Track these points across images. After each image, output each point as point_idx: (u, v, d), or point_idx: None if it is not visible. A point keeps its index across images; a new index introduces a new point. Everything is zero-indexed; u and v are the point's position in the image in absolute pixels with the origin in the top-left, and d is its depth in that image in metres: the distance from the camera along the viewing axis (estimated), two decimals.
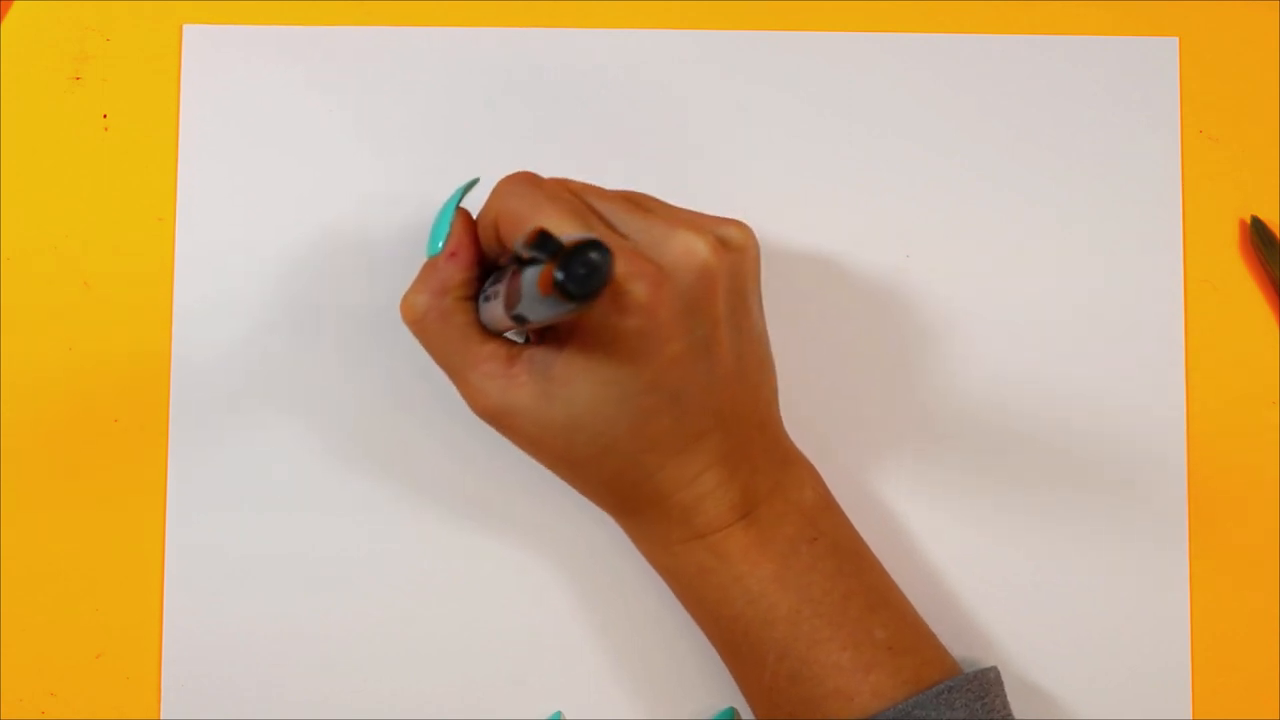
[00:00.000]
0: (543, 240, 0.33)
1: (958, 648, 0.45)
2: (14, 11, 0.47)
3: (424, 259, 0.42)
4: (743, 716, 0.46)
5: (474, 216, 0.42)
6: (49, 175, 0.47)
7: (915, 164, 0.47)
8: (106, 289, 0.46)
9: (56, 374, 0.46)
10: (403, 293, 0.43)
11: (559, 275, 0.32)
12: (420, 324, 0.41)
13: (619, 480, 0.40)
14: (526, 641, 0.46)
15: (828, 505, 0.42)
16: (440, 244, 0.41)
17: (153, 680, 0.46)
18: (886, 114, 0.47)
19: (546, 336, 0.40)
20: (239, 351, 0.46)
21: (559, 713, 0.46)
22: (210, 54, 0.47)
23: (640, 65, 0.47)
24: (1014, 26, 0.48)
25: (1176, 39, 0.48)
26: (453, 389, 0.46)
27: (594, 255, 0.32)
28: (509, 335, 0.41)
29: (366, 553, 0.46)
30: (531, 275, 0.34)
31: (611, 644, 0.46)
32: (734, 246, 0.40)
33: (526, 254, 0.34)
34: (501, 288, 0.38)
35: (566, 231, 0.37)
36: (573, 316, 0.35)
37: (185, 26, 0.47)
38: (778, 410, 0.43)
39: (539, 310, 0.34)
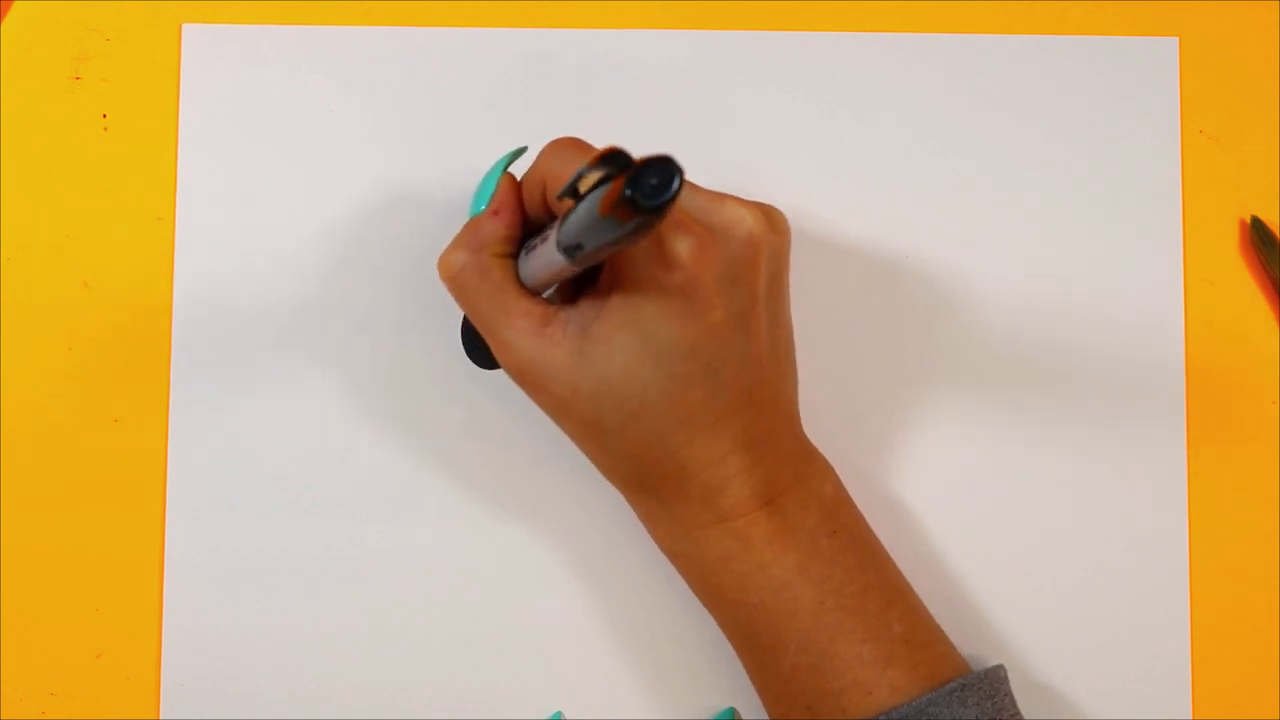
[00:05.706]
0: (613, 156, 0.34)
1: (958, 644, 0.45)
2: (14, 11, 0.47)
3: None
4: (743, 717, 0.46)
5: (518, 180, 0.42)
6: (49, 175, 0.47)
7: (915, 163, 0.47)
8: (106, 289, 0.46)
9: (56, 374, 0.46)
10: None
11: (628, 190, 0.32)
12: (456, 280, 0.40)
13: (644, 453, 0.39)
14: (526, 641, 0.46)
15: (846, 501, 0.43)
16: (483, 205, 0.41)
17: (153, 680, 0.46)
18: (887, 114, 0.47)
19: (585, 296, 0.40)
20: (238, 351, 0.46)
21: (559, 713, 0.46)
22: (210, 54, 0.47)
23: (642, 65, 0.47)
24: (1014, 26, 0.48)
25: (1176, 39, 0.48)
26: (452, 391, 0.46)
27: (666, 167, 0.32)
28: (546, 296, 0.41)
29: (367, 553, 0.46)
30: (593, 198, 0.34)
31: (611, 644, 0.46)
32: (778, 228, 0.40)
33: (591, 175, 0.34)
34: (551, 232, 0.38)
35: None
36: (631, 244, 0.34)
37: (184, 26, 0.47)
38: (798, 404, 0.43)
39: (597, 235, 0.34)
